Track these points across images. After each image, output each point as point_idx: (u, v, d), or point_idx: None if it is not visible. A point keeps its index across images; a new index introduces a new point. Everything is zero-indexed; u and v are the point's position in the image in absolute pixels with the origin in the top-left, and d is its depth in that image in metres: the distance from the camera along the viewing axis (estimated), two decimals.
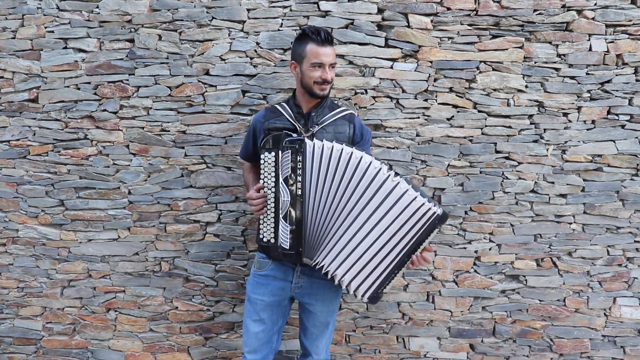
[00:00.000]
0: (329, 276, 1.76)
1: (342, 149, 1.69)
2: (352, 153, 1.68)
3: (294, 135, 1.78)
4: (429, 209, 1.63)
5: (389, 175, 1.65)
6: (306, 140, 1.73)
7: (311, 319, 1.96)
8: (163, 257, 2.52)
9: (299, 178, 1.72)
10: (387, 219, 1.66)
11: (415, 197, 1.63)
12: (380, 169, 1.66)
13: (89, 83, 2.38)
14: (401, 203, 1.64)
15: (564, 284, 2.50)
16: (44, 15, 2.35)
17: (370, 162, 1.67)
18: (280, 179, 1.73)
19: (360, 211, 1.68)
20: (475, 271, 2.50)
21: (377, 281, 1.72)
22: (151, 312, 2.57)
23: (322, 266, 1.75)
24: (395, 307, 2.53)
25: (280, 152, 1.73)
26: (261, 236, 1.81)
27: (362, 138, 1.95)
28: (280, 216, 1.75)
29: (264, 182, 1.78)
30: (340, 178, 1.69)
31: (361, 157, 1.67)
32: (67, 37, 2.36)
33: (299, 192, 1.72)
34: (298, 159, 1.71)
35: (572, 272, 2.48)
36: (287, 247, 1.75)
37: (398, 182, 1.65)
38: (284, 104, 1.95)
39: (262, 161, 1.77)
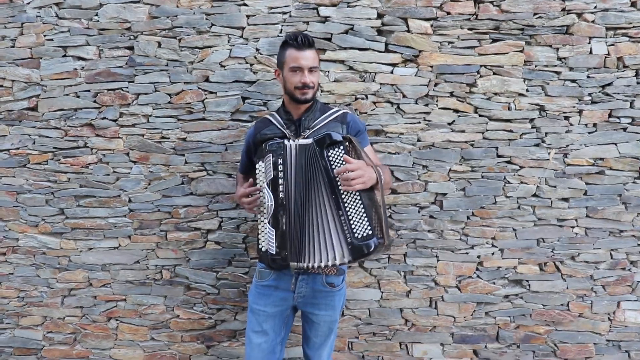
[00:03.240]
0: (315, 271, 1.76)
1: (309, 142, 1.70)
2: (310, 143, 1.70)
3: (278, 139, 1.79)
4: (306, 143, 1.71)
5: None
6: (285, 141, 1.73)
7: (314, 328, 1.94)
8: (164, 265, 2.50)
9: (282, 181, 1.71)
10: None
11: (296, 142, 1.72)
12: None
13: (89, 91, 2.38)
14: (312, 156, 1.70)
15: (567, 288, 2.48)
16: (43, 23, 2.35)
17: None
18: (265, 184, 1.73)
19: (320, 190, 1.71)
20: (478, 276, 2.49)
21: (339, 234, 1.68)
22: (152, 321, 2.55)
23: (313, 267, 1.72)
24: (398, 313, 2.52)
25: (264, 157, 1.73)
26: (260, 245, 1.80)
27: (357, 134, 1.92)
28: (266, 221, 1.74)
29: (260, 192, 1.77)
30: (307, 170, 1.70)
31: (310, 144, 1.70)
32: (66, 45, 2.36)
33: (282, 194, 1.71)
34: (279, 161, 1.71)
35: (575, 276, 2.47)
36: (274, 252, 1.73)
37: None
38: (274, 113, 1.94)
39: (256, 171, 1.78)
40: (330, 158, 1.67)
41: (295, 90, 1.82)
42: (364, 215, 1.66)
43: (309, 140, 1.71)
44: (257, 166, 1.77)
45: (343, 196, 1.66)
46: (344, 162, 1.64)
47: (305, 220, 1.71)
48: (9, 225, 2.49)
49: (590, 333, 2.51)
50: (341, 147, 1.67)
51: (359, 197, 1.66)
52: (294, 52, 1.80)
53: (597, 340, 2.51)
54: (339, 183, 1.66)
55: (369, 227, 1.65)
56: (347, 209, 1.67)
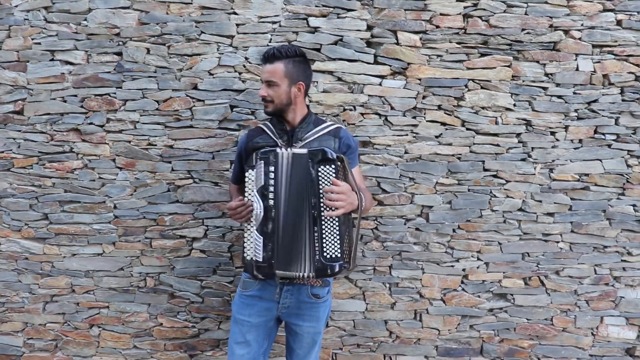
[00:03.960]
0: (310, 279, 1.76)
1: (301, 152, 1.71)
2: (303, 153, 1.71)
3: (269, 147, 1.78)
4: (299, 153, 1.71)
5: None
6: (277, 149, 1.73)
7: (297, 340, 1.93)
8: (148, 273, 2.48)
9: (272, 189, 1.70)
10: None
11: (292, 151, 1.71)
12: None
13: (76, 96, 2.36)
14: (302, 166, 1.71)
15: (551, 302, 2.49)
16: (31, 26, 2.33)
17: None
18: (255, 191, 1.72)
19: (304, 202, 1.71)
20: (463, 289, 2.49)
21: (309, 250, 1.70)
22: (135, 329, 2.53)
23: (302, 277, 1.72)
24: (382, 325, 2.51)
25: (255, 164, 1.73)
26: (245, 254, 1.79)
27: (348, 149, 1.92)
28: (254, 229, 1.73)
29: (248, 199, 1.76)
30: (296, 180, 1.70)
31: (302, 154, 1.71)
32: (54, 49, 2.34)
33: (272, 202, 1.70)
34: (270, 169, 1.70)
35: (559, 291, 2.48)
36: (260, 260, 1.72)
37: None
38: (267, 122, 1.94)
39: (246, 179, 1.76)
40: (320, 174, 1.67)
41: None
42: (337, 237, 1.69)
43: (304, 151, 1.71)
44: (247, 174, 1.75)
45: (322, 214, 1.68)
46: (330, 183, 1.66)
47: (296, 230, 1.71)
48: None
49: (573, 348, 2.52)
50: (332, 166, 1.67)
51: (336, 219, 1.68)
52: (262, 65, 1.88)
53: (580, 355, 2.52)
54: (321, 201, 1.67)
55: (339, 250, 1.69)
56: (323, 227, 1.68)
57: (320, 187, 1.67)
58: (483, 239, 2.45)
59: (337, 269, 1.68)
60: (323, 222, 1.68)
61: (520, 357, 2.54)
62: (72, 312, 2.52)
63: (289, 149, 1.74)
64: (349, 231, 1.75)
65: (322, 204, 1.67)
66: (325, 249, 1.68)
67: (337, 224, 1.68)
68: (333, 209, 1.65)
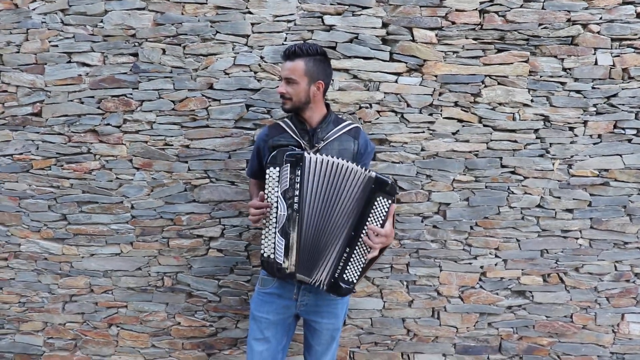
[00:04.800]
0: (322, 288, 1.75)
1: (340, 164, 1.68)
2: (347, 167, 1.68)
3: (298, 150, 1.77)
4: (361, 173, 1.66)
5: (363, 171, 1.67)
6: (305, 154, 1.72)
7: (316, 337, 1.94)
8: (166, 272, 2.50)
9: (297, 192, 1.70)
10: (345, 204, 1.70)
11: (356, 169, 1.66)
12: (358, 171, 1.67)
13: (93, 97, 2.38)
14: (354, 183, 1.68)
15: (571, 300, 2.47)
16: (49, 29, 2.35)
17: (354, 170, 1.68)
18: (279, 193, 1.72)
19: (344, 218, 1.70)
20: (481, 287, 2.48)
21: (333, 264, 1.71)
22: (153, 328, 2.54)
23: (319, 283, 1.74)
24: (400, 323, 2.51)
25: (281, 166, 1.72)
26: (262, 251, 1.79)
27: (365, 151, 1.92)
28: (277, 230, 1.73)
29: (267, 197, 1.76)
30: (334, 191, 1.69)
31: (353, 169, 1.68)
32: (71, 51, 2.35)
33: (296, 206, 1.70)
34: (297, 172, 1.70)
35: (579, 287, 2.46)
36: (281, 262, 1.73)
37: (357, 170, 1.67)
38: (287, 119, 1.93)
39: (266, 176, 1.76)
40: (376, 203, 1.65)
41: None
42: (361, 266, 1.72)
43: (335, 159, 1.69)
44: (268, 172, 1.74)
45: (360, 241, 1.68)
46: (384, 214, 1.67)
47: (322, 236, 1.72)
48: (11, 231, 2.49)
49: (594, 345, 2.50)
50: (389, 202, 1.66)
51: (368, 251, 1.69)
52: (282, 62, 1.87)
53: (601, 352, 2.50)
54: (365, 228, 1.67)
55: (356, 278, 1.73)
56: (355, 252, 1.70)
57: (371, 216, 1.66)
58: (501, 235, 2.43)
59: (343, 293, 1.74)
60: (357, 248, 1.69)
61: (540, 354, 2.52)
62: (91, 312, 2.54)
63: (315, 154, 1.72)
64: (367, 262, 1.76)
65: (364, 231, 1.67)
66: (346, 272, 1.71)
67: (366, 254, 1.70)
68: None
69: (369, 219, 1.66)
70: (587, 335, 2.49)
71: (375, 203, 1.65)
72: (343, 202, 1.69)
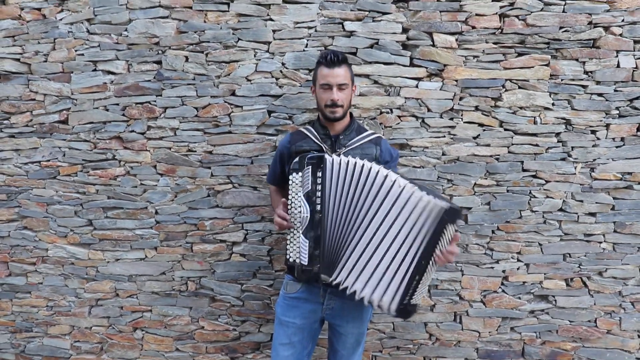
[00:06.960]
0: (348, 292, 1.71)
1: (362, 164, 1.68)
2: (370, 168, 1.67)
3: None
4: (434, 203, 1.55)
5: (398, 183, 1.62)
6: (326, 155, 1.73)
7: (341, 341, 1.95)
8: (189, 277, 2.53)
9: (319, 193, 1.72)
10: (397, 224, 1.62)
11: (421, 197, 1.57)
12: (395, 180, 1.63)
13: (118, 104, 2.42)
14: (409, 205, 1.60)
15: (594, 304, 2.45)
16: (75, 38, 2.40)
17: (387, 175, 1.64)
18: (302, 195, 1.74)
19: (370, 220, 1.66)
20: (503, 291, 2.47)
21: (400, 290, 1.64)
22: (177, 332, 2.57)
23: (339, 283, 1.72)
24: (422, 327, 2.51)
25: (303, 170, 1.74)
26: (287, 256, 1.81)
27: (391, 158, 1.95)
28: (301, 232, 1.75)
29: (291, 202, 1.78)
30: (357, 192, 1.69)
31: (378, 171, 1.66)
32: (96, 59, 2.40)
33: (318, 207, 1.71)
34: (318, 174, 1.72)
35: (603, 292, 2.44)
36: (306, 263, 1.74)
37: (404, 186, 1.61)
38: (309, 126, 1.96)
39: (290, 182, 1.78)
40: (445, 231, 1.58)
41: (325, 108, 1.85)
42: (426, 288, 1.72)
43: (358, 161, 1.69)
44: (291, 177, 1.77)
45: (429, 265, 1.62)
46: (448, 241, 1.62)
47: (347, 238, 1.70)
48: (39, 236, 2.54)
49: (619, 350, 2.47)
50: (455, 228, 1.63)
51: (434, 271, 1.70)
52: (324, 70, 1.84)
53: (627, 358, 2.47)
54: (434, 254, 1.60)
55: (420, 299, 1.71)
56: (424, 276, 1.63)
57: (439, 240, 1.58)
58: (523, 239, 2.42)
59: (410, 315, 1.69)
60: (426, 272, 1.62)
61: (563, 359, 2.50)
62: (116, 316, 2.58)
63: (337, 158, 1.73)
64: None
65: (433, 255, 1.60)
66: (414, 295, 1.65)
67: (431, 276, 1.70)
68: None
69: (437, 243, 1.59)
70: (611, 340, 2.47)
71: (445, 230, 1.57)
72: (364, 200, 1.67)
